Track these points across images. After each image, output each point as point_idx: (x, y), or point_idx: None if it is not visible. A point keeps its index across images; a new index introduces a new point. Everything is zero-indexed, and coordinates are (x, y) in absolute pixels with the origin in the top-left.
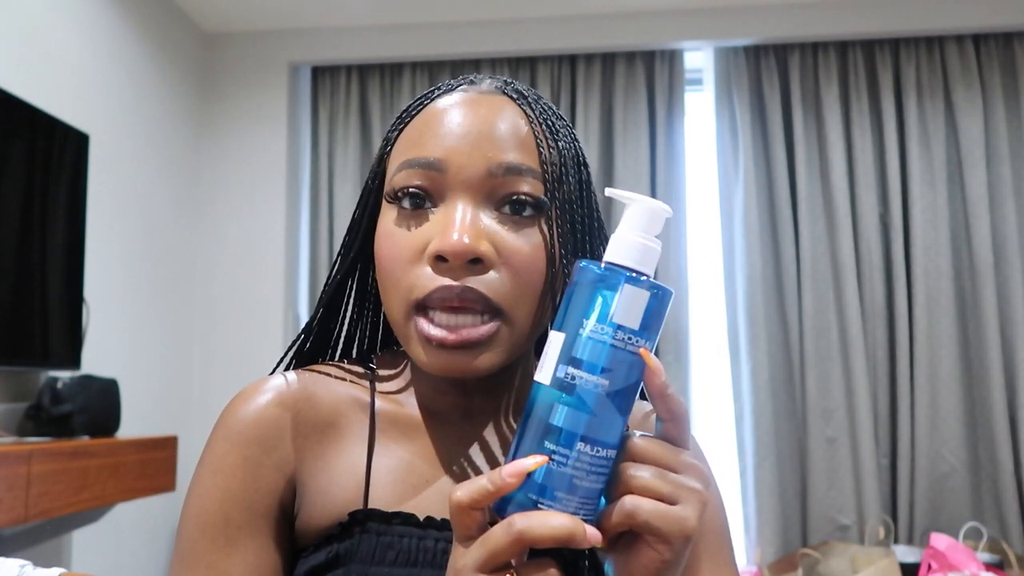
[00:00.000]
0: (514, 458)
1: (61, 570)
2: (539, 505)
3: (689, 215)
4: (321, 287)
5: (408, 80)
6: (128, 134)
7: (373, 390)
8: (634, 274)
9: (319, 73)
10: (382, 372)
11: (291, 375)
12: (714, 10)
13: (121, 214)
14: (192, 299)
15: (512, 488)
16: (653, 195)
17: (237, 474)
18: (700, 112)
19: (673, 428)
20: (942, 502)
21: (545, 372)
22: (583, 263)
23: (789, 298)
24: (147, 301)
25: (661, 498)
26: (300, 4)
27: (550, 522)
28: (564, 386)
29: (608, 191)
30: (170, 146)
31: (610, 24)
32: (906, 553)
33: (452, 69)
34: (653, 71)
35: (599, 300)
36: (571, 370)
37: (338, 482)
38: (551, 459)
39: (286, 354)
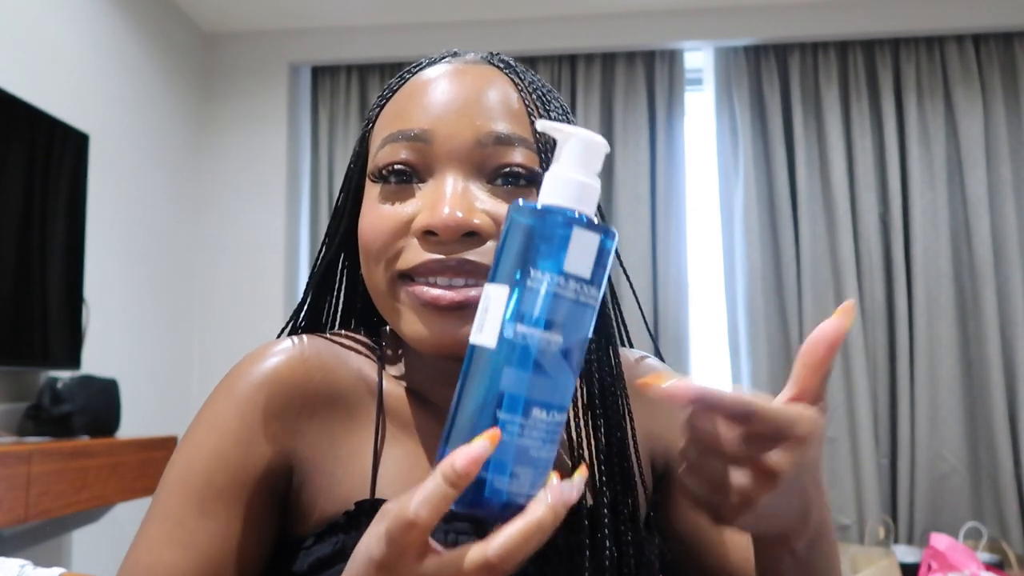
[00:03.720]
0: (451, 433)
1: (61, 570)
2: (495, 483)
3: (689, 215)
4: None
5: None
6: (128, 134)
7: (381, 367)
8: (579, 215)
9: (319, 73)
10: (389, 352)
11: (305, 339)
12: (714, 10)
13: (121, 214)
14: (192, 299)
15: (471, 479)
16: (653, 195)
17: (231, 437)
18: (700, 112)
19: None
20: (942, 502)
21: (488, 332)
22: (519, 204)
23: (789, 298)
24: (147, 301)
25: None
26: (300, 4)
27: (529, 545)
28: (513, 347)
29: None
30: (170, 146)
31: (610, 24)
32: (906, 553)
33: None
34: (653, 71)
35: (545, 247)
36: (521, 328)
37: (345, 467)
38: (504, 431)
39: (279, 333)
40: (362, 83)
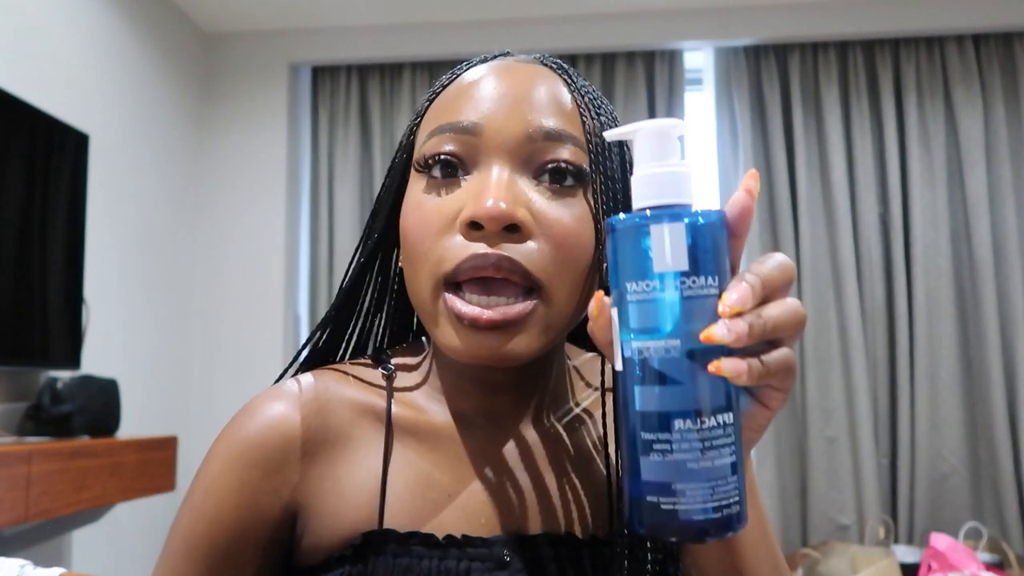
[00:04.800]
0: (622, 470)
1: (61, 570)
2: (662, 506)
3: None
4: (321, 287)
5: (408, 80)
6: (128, 134)
7: (390, 395)
8: (660, 209)
9: (319, 73)
10: (401, 372)
11: (304, 381)
12: (714, 10)
13: (121, 214)
14: (192, 299)
15: None
16: None
17: (230, 498)
18: (700, 112)
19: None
20: (942, 502)
21: (616, 358)
22: (610, 221)
23: None
24: (147, 301)
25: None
26: (300, 4)
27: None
28: (635, 364)
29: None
30: (170, 146)
31: (610, 24)
32: (906, 553)
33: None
34: (653, 71)
35: (635, 254)
36: (635, 344)
37: (350, 500)
38: (654, 451)
39: (305, 345)
40: (362, 83)
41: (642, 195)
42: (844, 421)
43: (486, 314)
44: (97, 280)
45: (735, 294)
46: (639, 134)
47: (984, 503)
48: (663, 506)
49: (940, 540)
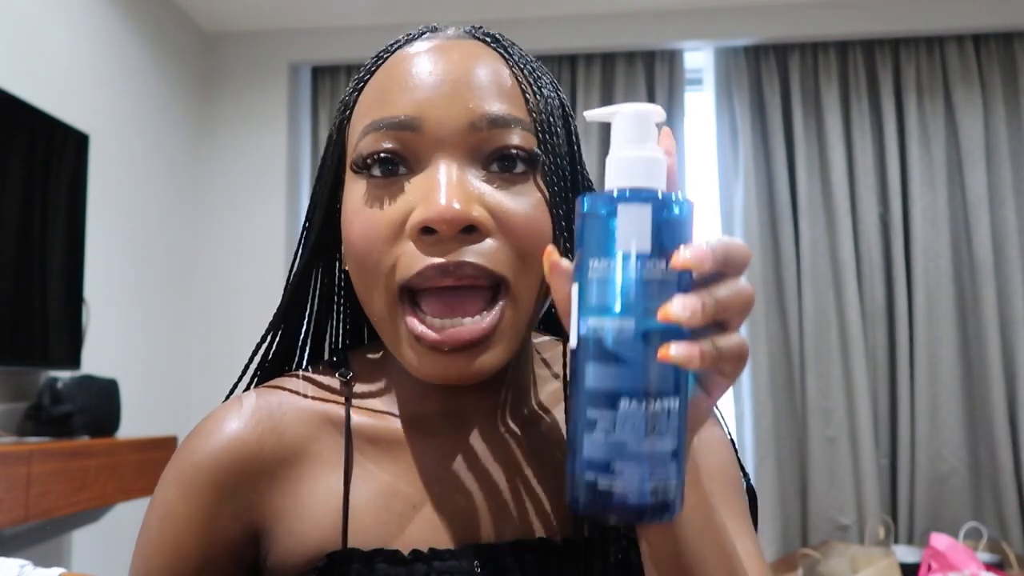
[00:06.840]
0: (570, 443)
1: (61, 570)
2: (599, 486)
3: None
4: None
5: None
6: (128, 134)
7: (348, 404)
8: (622, 191)
9: (319, 73)
10: (359, 379)
11: (254, 399)
12: (714, 10)
13: (121, 214)
14: (192, 299)
15: None
16: None
17: (188, 526)
18: (700, 112)
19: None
20: (942, 502)
21: (572, 335)
22: (579, 198)
23: (789, 298)
24: (147, 301)
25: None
26: (300, 4)
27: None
28: (589, 341)
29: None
30: (170, 146)
31: (610, 24)
32: (906, 553)
33: None
34: (653, 71)
35: (600, 233)
36: (591, 321)
37: (312, 519)
38: (597, 429)
39: (251, 359)
40: None
41: (614, 176)
42: (844, 421)
43: (449, 338)
44: (97, 280)
45: (691, 252)
46: (618, 116)
47: (984, 503)
48: (600, 486)
49: (940, 540)
